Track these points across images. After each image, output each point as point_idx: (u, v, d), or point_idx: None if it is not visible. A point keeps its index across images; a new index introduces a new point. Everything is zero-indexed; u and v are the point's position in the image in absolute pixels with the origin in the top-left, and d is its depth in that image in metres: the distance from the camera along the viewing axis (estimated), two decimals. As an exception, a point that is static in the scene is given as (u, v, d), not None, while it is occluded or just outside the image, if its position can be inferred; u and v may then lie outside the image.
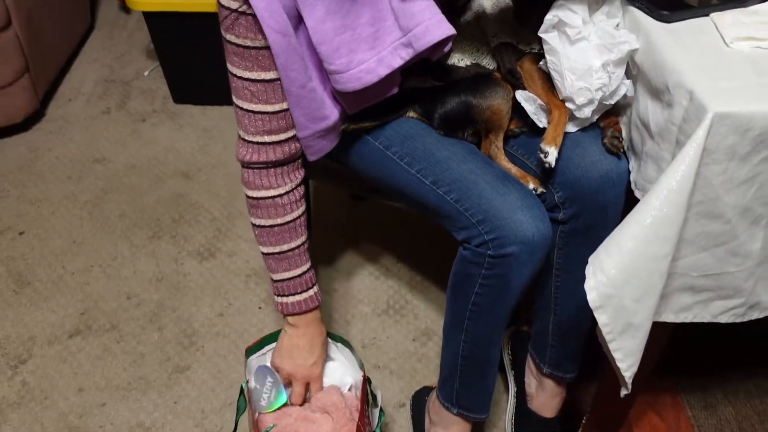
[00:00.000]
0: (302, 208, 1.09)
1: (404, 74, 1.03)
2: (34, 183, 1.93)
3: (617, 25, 0.95)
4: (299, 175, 1.07)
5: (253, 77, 0.96)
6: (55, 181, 1.93)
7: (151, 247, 1.73)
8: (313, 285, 1.12)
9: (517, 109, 1.05)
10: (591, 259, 0.90)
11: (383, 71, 0.95)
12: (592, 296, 0.88)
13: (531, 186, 1.05)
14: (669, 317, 0.97)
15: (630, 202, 0.98)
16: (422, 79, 1.05)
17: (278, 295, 1.11)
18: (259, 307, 1.58)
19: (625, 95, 0.97)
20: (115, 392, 1.43)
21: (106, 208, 1.84)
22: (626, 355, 0.93)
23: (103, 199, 1.87)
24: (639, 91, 0.95)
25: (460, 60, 1.04)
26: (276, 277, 1.10)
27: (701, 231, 0.88)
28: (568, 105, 0.98)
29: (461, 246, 1.04)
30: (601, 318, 0.90)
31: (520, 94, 1.02)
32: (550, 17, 0.94)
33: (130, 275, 1.66)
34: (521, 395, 1.31)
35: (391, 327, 1.54)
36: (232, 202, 1.85)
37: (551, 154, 0.98)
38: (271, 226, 1.07)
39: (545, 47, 0.96)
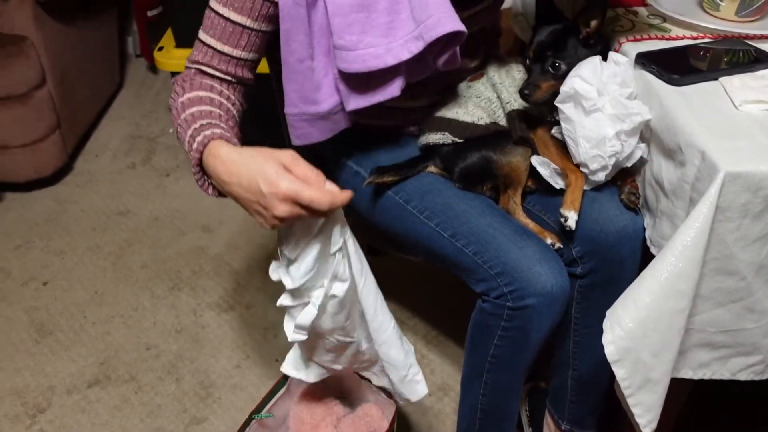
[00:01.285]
0: (230, 95, 1.01)
1: (417, 91, 1.05)
2: (60, 235, 1.98)
3: (630, 94, 0.99)
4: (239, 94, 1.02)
5: (225, 14, 0.96)
6: (80, 233, 1.98)
7: (171, 298, 1.76)
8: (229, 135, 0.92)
9: (534, 170, 1.08)
10: (608, 313, 0.92)
11: (390, 60, 0.94)
12: (610, 350, 0.89)
13: (549, 241, 1.08)
14: (687, 373, 0.97)
15: (646, 257, 1.00)
16: (443, 137, 1.09)
17: (193, 139, 0.90)
18: (276, 360, 1.59)
19: (641, 158, 1.00)
20: (132, 443, 1.43)
21: (128, 260, 1.88)
22: (645, 410, 0.93)
23: (126, 250, 1.91)
24: (653, 152, 0.99)
25: (479, 119, 1.09)
26: (193, 127, 0.92)
27: (717, 287, 0.90)
28: (582, 169, 1.02)
29: (480, 299, 1.06)
30: (619, 372, 0.90)
31: (534, 159, 1.06)
32: (566, 88, 0.98)
33: (150, 326, 1.68)
34: (540, 453, 1.30)
35: (408, 382, 1.54)
36: (252, 255, 1.88)
37: (571, 219, 1.01)
38: (188, 99, 0.96)
39: (561, 116, 1.00)
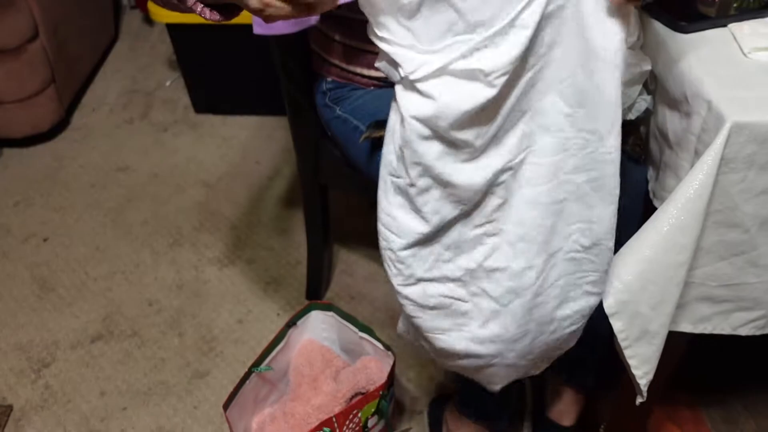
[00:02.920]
0: None
1: None
2: (59, 191, 1.97)
3: (635, 43, 0.96)
4: None
5: None
6: (79, 189, 1.97)
7: (172, 254, 1.76)
8: None
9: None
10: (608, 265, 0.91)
11: None
12: (609, 302, 0.89)
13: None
14: (687, 327, 0.97)
15: (648, 210, 0.99)
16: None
17: None
18: (278, 314, 1.60)
19: (646, 110, 0.98)
20: (136, 397, 1.45)
21: (128, 216, 1.88)
22: (642, 362, 0.93)
23: (125, 206, 1.91)
24: (658, 102, 0.96)
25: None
26: None
27: (719, 240, 0.88)
28: None
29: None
30: (616, 324, 0.90)
31: None
32: None
33: (152, 282, 1.69)
34: (539, 404, 1.31)
35: (409, 335, 1.55)
36: (252, 210, 1.87)
37: None
38: None
39: None
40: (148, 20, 2.65)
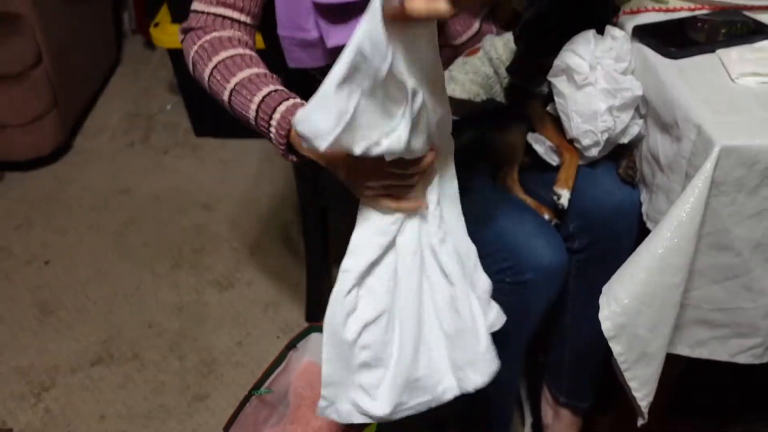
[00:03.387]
0: (254, 50, 0.98)
1: None
2: (61, 213, 1.98)
3: (626, 69, 0.98)
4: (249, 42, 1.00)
5: None
6: (81, 212, 1.98)
7: (172, 276, 1.77)
8: (295, 96, 0.92)
9: (531, 145, 1.08)
10: (605, 289, 0.92)
11: None
12: (607, 325, 0.90)
13: (546, 216, 1.08)
14: (684, 350, 0.97)
15: (643, 232, 1.00)
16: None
17: (268, 117, 0.90)
18: (277, 336, 1.60)
19: (638, 133, 1.00)
20: (136, 420, 1.45)
21: (130, 238, 1.89)
22: (641, 384, 0.94)
23: (127, 229, 1.92)
24: (650, 126, 0.98)
25: (476, 95, 1.08)
26: (256, 100, 0.91)
27: (712, 262, 0.90)
28: (576, 145, 1.02)
29: (478, 275, 1.07)
30: (615, 347, 0.91)
31: (530, 137, 1.05)
32: (558, 62, 0.97)
33: (152, 304, 1.70)
34: (537, 426, 1.32)
35: (408, 356, 1.56)
36: (252, 232, 1.89)
37: (564, 197, 1.01)
38: (226, 59, 0.94)
39: (554, 90, 0.99)
40: (150, 45, 2.68)
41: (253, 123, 0.93)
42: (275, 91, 0.91)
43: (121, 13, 2.76)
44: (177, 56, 2.07)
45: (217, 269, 1.79)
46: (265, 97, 0.91)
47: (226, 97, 0.94)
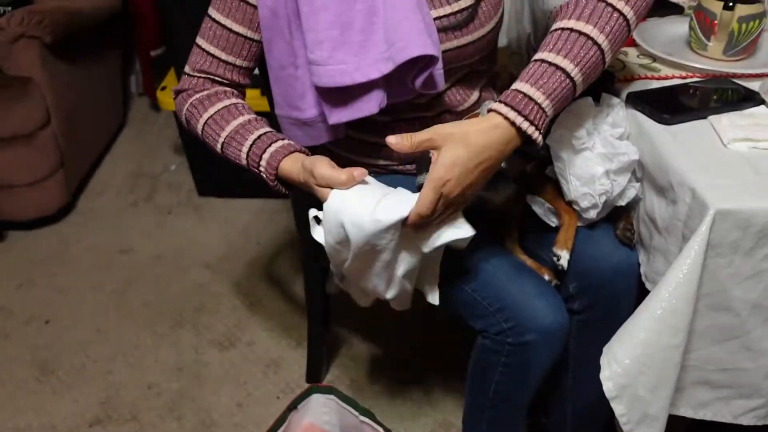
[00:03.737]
0: (243, 100, 1.09)
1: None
2: (63, 273, 1.99)
3: (622, 134, 1.01)
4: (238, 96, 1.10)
5: (225, 23, 1.04)
6: (83, 271, 1.99)
7: (173, 336, 1.77)
8: (283, 138, 1.03)
9: (530, 206, 1.10)
10: (605, 349, 0.93)
11: (359, 78, 0.98)
12: (608, 386, 0.90)
13: (546, 277, 1.09)
14: (688, 412, 0.97)
15: (642, 293, 1.01)
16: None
17: (257, 162, 1.01)
18: (278, 397, 1.59)
19: (635, 196, 1.02)
20: (133, 483, 1.43)
21: (130, 297, 1.89)
22: (645, 445, 0.93)
23: (128, 288, 1.93)
24: (646, 189, 1.00)
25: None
26: (247, 144, 1.01)
27: (712, 323, 0.91)
28: (574, 207, 1.04)
29: (480, 335, 1.07)
30: (617, 408, 0.91)
31: (529, 199, 1.08)
32: (556, 127, 1.01)
33: (152, 364, 1.69)
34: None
35: (408, 419, 1.54)
36: (253, 292, 1.89)
37: (563, 258, 1.03)
38: (217, 111, 1.05)
39: (552, 154, 1.02)
40: (156, 107, 2.75)
41: (246, 168, 1.03)
42: (260, 136, 1.01)
43: (128, 77, 2.84)
44: (183, 118, 2.12)
45: (217, 329, 1.78)
46: (251, 145, 1.01)
47: (219, 149, 1.05)
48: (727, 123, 0.97)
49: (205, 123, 1.05)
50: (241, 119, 1.04)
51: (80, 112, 2.24)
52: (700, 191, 0.85)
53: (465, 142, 0.85)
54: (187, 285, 1.93)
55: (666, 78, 1.13)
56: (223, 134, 1.03)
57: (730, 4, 1.10)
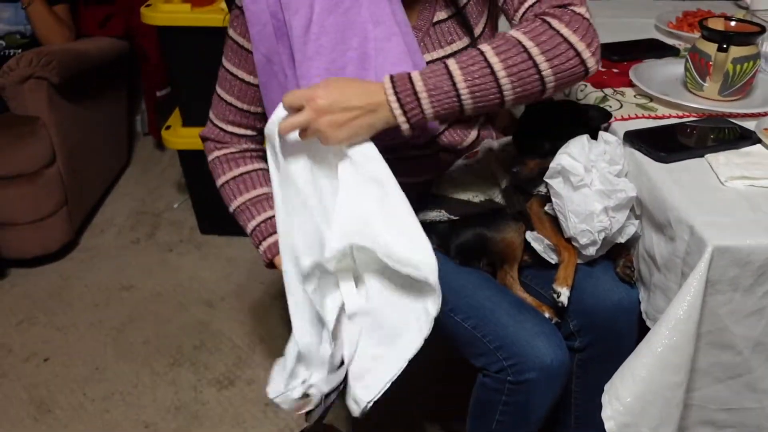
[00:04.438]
0: (263, 164, 1.15)
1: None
2: (63, 310, 1.98)
3: (620, 171, 1.03)
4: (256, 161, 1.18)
5: (237, 74, 1.09)
6: (83, 309, 1.99)
7: (171, 374, 1.75)
8: None
9: (530, 243, 1.10)
10: (607, 387, 0.92)
11: None
12: (610, 425, 0.89)
13: (546, 315, 1.09)
14: (692, 452, 0.96)
15: (643, 330, 1.01)
16: (439, 214, 1.12)
17: (260, 242, 1.13)
18: (277, 437, 1.57)
19: (634, 233, 1.03)
20: None
21: (130, 335, 1.88)
22: (648, 486, 0.92)
23: (127, 325, 1.92)
24: (645, 226, 1.01)
25: (474, 196, 1.12)
26: (253, 223, 1.13)
27: (714, 361, 0.90)
28: (573, 244, 1.04)
29: (480, 373, 1.06)
30: (620, 448, 0.90)
31: (529, 235, 1.08)
32: (554, 164, 1.02)
33: (149, 403, 1.67)
34: None
35: (410, 459, 1.52)
36: (254, 330, 1.88)
37: (563, 295, 1.03)
38: (238, 175, 1.15)
39: (551, 191, 1.03)
40: (160, 146, 2.78)
41: (249, 237, 1.14)
42: (267, 219, 1.11)
43: (133, 116, 2.88)
44: (186, 157, 2.14)
45: (217, 367, 1.77)
46: (258, 224, 1.12)
47: (232, 210, 1.15)
48: (724, 161, 0.98)
49: (226, 183, 1.15)
50: (255, 192, 1.13)
51: (85, 151, 2.26)
52: (699, 228, 0.85)
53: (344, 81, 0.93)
54: (187, 322, 1.92)
55: (663, 117, 1.14)
56: (238, 201, 1.14)
57: (724, 46, 1.12)
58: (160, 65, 2.42)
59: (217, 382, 1.72)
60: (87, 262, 2.19)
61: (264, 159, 1.12)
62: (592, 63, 0.90)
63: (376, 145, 0.95)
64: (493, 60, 0.88)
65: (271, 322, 1.91)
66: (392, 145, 1.06)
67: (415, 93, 0.89)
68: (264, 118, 1.12)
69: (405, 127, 0.91)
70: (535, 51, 0.88)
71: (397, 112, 0.90)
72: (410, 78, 0.89)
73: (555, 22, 0.89)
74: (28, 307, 2.00)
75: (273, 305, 1.98)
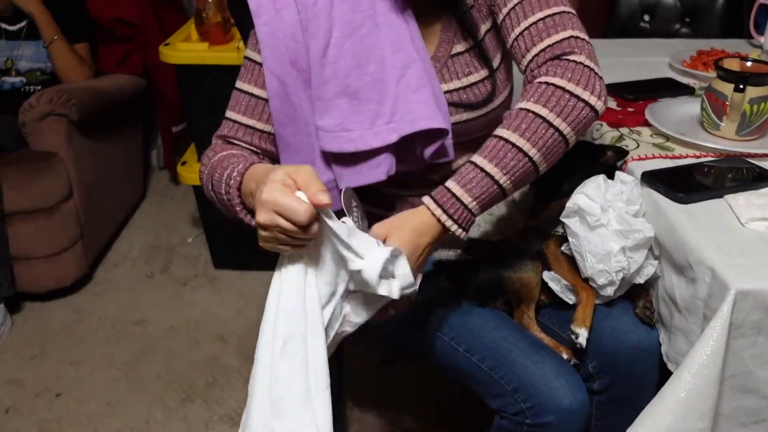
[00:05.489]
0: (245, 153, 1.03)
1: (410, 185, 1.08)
2: (75, 344, 1.98)
3: (637, 211, 1.02)
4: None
5: (246, 89, 1.05)
6: (96, 343, 1.99)
7: (183, 410, 1.74)
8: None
9: (547, 284, 1.10)
10: (628, 432, 0.90)
11: (362, 146, 1.00)
12: (633, 472, 0.87)
13: (564, 356, 1.07)
14: (719, 501, 0.94)
15: (664, 372, 0.99)
16: (454, 254, 1.12)
17: (227, 187, 0.94)
18: (289, 477, 1.54)
19: (654, 273, 1.02)
20: None
21: (142, 370, 1.88)
22: None
23: (140, 360, 1.91)
24: (665, 267, 1.00)
25: (491, 236, 1.11)
26: (225, 178, 0.94)
27: (738, 405, 0.88)
28: (591, 284, 1.03)
29: (497, 415, 1.05)
30: (643, 496, 0.88)
31: (546, 275, 1.07)
32: (571, 204, 1.02)
33: (161, 440, 1.66)
34: None
35: (424, 501, 1.49)
36: (266, 367, 1.87)
37: (582, 336, 1.02)
38: (221, 157, 0.99)
39: (567, 231, 1.03)
40: (176, 180, 2.80)
41: (225, 196, 0.95)
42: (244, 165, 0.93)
43: (150, 151, 2.91)
44: (201, 192, 2.14)
45: (228, 403, 1.75)
46: (232, 171, 0.94)
47: (204, 180, 0.99)
48: (743, 202, 0.97)
49: (210, 166, 0.99)
50: (239, 153, 1.00)
51: (102, 186, 2.29)
52: (720, 271, 0.84)
53: (405, 230, 0.90)
54: (199, 358, 1.91)
55: (680, 157, 1.14)
56: (213, 164, 0.98)
57: (741, 86, 1.12)
58: (176, 101, 2.46)
59: (229, 419, 1.71)
60: (101, 296, 2.20)
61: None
62: (600, 105, 0.94)
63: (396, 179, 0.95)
64: (521, 143, 0.91)
65: (284, 359, 1.90)
66: (406, 183, 1.07)
67: (461, 201, 0.91)
68: (269, 138, 1.07)
69: (462, 235, 0.92)
70: (551, 117, 0.91)
71: (453, 227, 0.91)
72: (449, 189, 0.91)
73: (557, 81, 0.92)
74: (41, 341, 2.00)
75: (286, 341, 1.96)
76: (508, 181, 0.91)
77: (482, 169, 0.91)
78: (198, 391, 1.80)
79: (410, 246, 0.89)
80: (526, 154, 0.90)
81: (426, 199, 0.92)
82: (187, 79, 2.02)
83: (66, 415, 1.74)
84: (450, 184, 0.91)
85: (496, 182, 0.91)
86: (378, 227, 0.90)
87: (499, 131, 0.93)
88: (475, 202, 0.91)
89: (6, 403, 1.77)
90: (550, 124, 0.91)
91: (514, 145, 0.91)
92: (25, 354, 1.95)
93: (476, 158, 0.92)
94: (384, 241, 0.88)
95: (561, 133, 0.91)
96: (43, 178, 2.01)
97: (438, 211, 0.91)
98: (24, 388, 1.83)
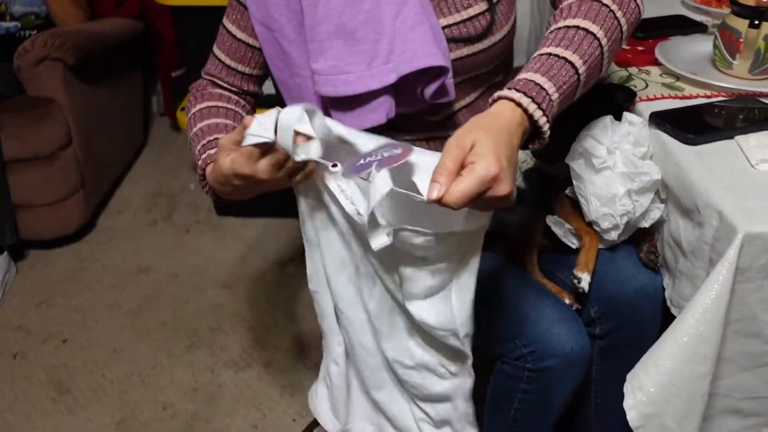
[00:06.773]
0: (234, 106, 1.06)
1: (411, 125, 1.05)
2: (80, 292, 1.99)
3: (645, 153, 0.99)
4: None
5: (229, 28, 1.05)
6: (100, 290, 2.00)
7: (188, 356, 1.75)
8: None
9: (551, 228, 1.08)
10: (629, 377, 0.90)
11: (360, 88, 0.96)
12: (632, 415, 0.87)
13: (567, 301, 1.06)
14: (717, 443, 0.94)
15: (667, 317, 0.98)
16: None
17: (199, 159, 0.97)
18: (294, 420, 1.57)
19: (659, 218, 0.99)
20: (146, 507, 1.41)
21: (147, 317, 1.89)
22: (671, 478, 0.90)
23: (144, 307, 1.92)
24: (671, 211, 0.98)
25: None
26: (199, 147, 0.98)
27: (741, 350, 0.87)
28: (595, 228, 1.01)
29: (498, 360, 1.05)
30: (642, 438, 0.88)
31: (549, 219, 1.05)
32: (576, 146, 0.99)
33: (167, 384, 1.68)
34: None
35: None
36: (271, 312, 1.88)
37: (584, 280, 1.01)
38: (204, 108, 1.04)
39: (572, 173, 1.00)
40: (176, 127, 2.77)
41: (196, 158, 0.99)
42: (213, 140, 0.98)
43: (149, 97, 2.87)
44: (202, 138, 2.12)
45: (233, 349, 1.77)
46: (210, 141, 0.98)
47: (195, 128, 1.02)
48: (755, 143, 0.94)
49: (192, 115, 1.05)
50: (215, 120, 1.02)
51: (101, 133, 2.26)
52: (728, 214, 0.82)
53: (493, 131, 0.75)
54: (204, 305, 1.92)
55: (690, 97, 1.10)
56: (195, 129, 1.02)
57: (756, 22, 1.07)
58: (175, 46, 2.40)
59: (234, 364, 1.72)
60: (104, 244, 2.20)
61: (237, 103, 1.07)
62: (643, 5, 0.94)
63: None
64: (594, 28, 0.86)
65: (288, 305, 1.91)
66: (406, 128, 1.04)
67: (549, 95, 0.81)
68: (255, 80, 1.09)
69: (546, 129, 0.81)
70: (610, 2, 0.89)
71: (542, 119, 0.80)
72: (538, 84, 0.80)
73: None
74: (47, 288, 2.01)
75: (290, 287, 1.97)
76: (585, 72, 0.84)
77: (561, 57, 0.83)
78: (202, 338, 1.81)
79: (507, 149, 0.73)
80: (599, 42, 0.86)
81: (506, 92, 0.79)
82: (184, 22, 1.98)
83: (73, 361, 1.76)
84: (529, 75, 0.81)
85: (577, 71, 0.83)
86: (460, 134, 0.73)
87: (567, 21, 0.87)
88: (557, 94, 0.81)
89: (14, 348, 1.80)
90: (614, 14, 0.89)
91: (587, 31, 0.86)
92: (31, 301, 1.96)
93: (550, 49, 0.84)
94: (471, 148, 0.72)
95: (619, 23, 0.89)
96: (41, 124, 1.99)
97: (525, 101, 0.77)
98: (31, 334, 1.85)
